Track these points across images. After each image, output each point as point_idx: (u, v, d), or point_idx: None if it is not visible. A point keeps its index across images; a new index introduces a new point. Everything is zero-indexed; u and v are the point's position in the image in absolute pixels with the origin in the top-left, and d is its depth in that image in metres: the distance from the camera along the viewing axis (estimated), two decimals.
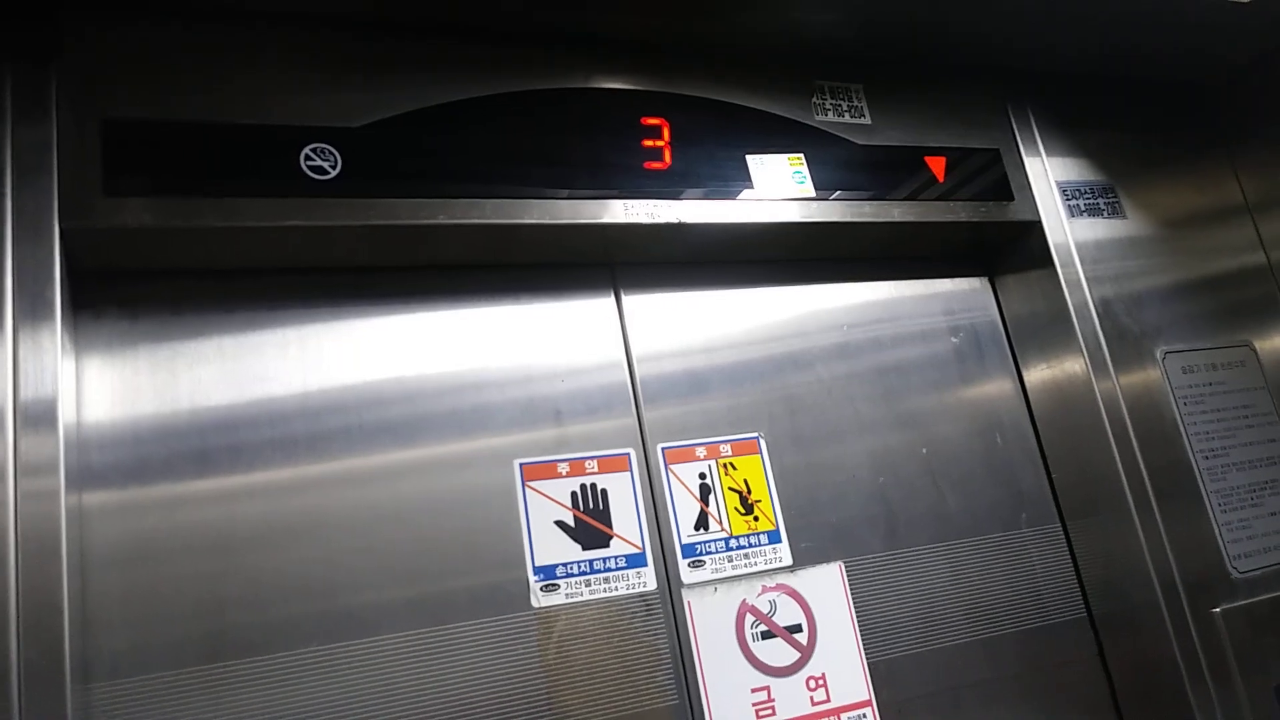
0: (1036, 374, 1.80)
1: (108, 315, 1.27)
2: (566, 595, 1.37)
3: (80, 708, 1.06)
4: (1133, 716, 1.64)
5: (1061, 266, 1.74)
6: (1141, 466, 1.64)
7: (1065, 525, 1.75)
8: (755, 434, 1.58)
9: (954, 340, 1.81)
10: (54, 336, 1.09)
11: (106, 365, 1.25)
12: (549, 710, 1.31)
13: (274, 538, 1.25)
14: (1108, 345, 1.71)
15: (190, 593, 1.19)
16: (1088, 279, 1.75)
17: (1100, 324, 1.72)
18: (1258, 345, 1.87)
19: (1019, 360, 1.84)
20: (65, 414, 1.10)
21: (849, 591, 1.54)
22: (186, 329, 1.30)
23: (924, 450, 1.69)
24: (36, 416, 1.07)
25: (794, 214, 1.57)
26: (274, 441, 1.29)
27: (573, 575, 1.38)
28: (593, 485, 1.45)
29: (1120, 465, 1.63)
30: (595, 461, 1.46)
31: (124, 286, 1.28)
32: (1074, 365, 1.71)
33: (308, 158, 1.27)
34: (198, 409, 1.27)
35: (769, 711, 1.42)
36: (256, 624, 1.21)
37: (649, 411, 1.53)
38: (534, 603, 1.35)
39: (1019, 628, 1.64)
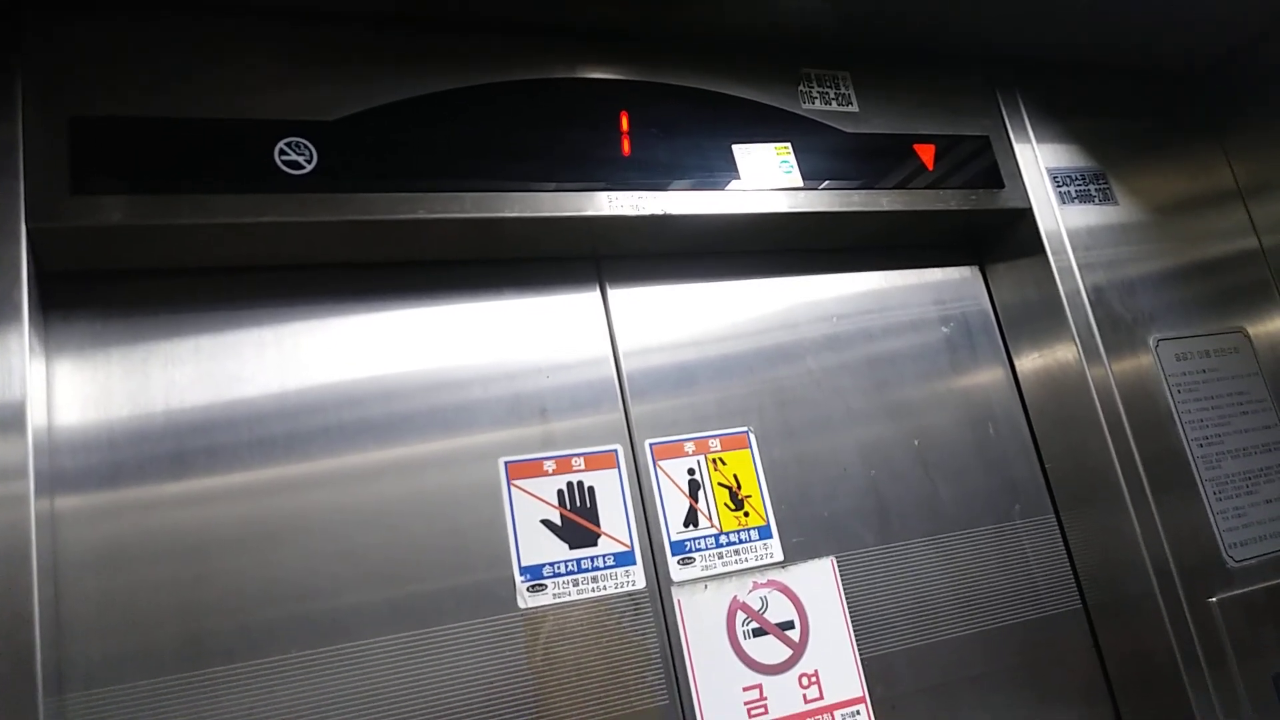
0: (1029, 363, 1.79)
1: (78, 316, 1.24)
2: (554, 595, 1.35)
3: (53, 719, 1.04)
4: (1129, 707, 1.63)
5: (1053, 254, 1.72)
6: (1135, 455, 1.62)
7: (1059, 516, 1.73)
8: (744, 428, 1.56)
9: (945, 330, 1.79)
10: (21, 339, 1.07)
11: (78, 367, 1.22)
12: (537, 713, 1.28)
13: (253, 541, 1.23)
14: (1100, 333, 1.69)
15: (167, 598, 1.17)
16: (1079, 266, 1.73)
17: (1092, 311, 1.70)
18: (1251, 331, 1.85)
19: (1011, 349, 1.82)
20: (35, 418, 1.08)
21: (841, 586, 1.52)
22: (160, 329, 1.27)
23: (916, 442, 1.67)
24: (3, 421, 1.04)
25: (781, 204, 1.54)
26: (252, 443, 1.27)
27: (560, 575, 1.36)
28: (579, 483, 1.42)
29: (1114, 454, 1.62)
30: (582, 459, 1.43)
31: (95, 287, 1.25)
32: (1066, 353, 1.70)
33: (282, 152, 1.24)
34: (173, 410, 1.25)
35: (761, 710, 1.40)
36: (236, 629, 1.18)
37: (636, 407, 1.50)
38: (520, 604, 1.33)
39: (1013, 620, 1.63)
